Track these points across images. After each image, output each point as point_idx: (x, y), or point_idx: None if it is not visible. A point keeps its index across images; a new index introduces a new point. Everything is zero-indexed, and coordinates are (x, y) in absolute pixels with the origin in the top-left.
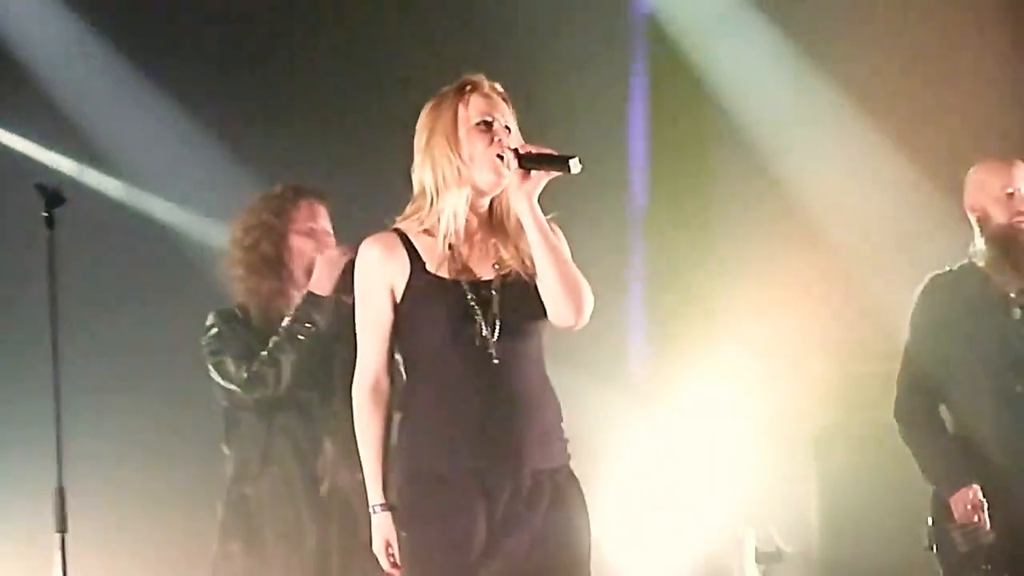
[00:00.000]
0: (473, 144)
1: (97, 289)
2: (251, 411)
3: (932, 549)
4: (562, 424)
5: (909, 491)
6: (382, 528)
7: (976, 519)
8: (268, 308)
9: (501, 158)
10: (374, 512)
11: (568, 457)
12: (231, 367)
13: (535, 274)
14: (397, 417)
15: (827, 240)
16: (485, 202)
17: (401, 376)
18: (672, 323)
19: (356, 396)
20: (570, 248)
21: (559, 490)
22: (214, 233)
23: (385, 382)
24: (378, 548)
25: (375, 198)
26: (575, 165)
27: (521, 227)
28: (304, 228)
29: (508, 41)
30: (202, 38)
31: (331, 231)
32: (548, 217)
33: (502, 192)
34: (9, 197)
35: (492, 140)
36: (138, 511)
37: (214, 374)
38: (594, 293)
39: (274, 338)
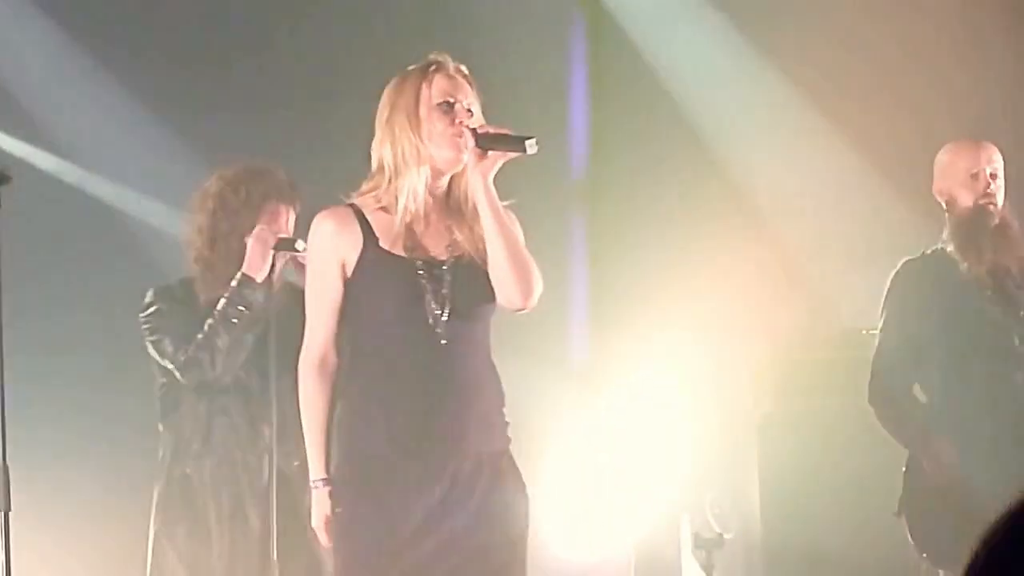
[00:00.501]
0: (433, 123)
1: (42, 268)
2: (190, 391)
3: (901, 515)
4: (504, 408)
5: (850, 477)
6: (321, 503)
7: (951, 474)
8: (217, 289)
9: (460, 137)
10: (315, 487)
11: (508, 441)
12: (169, 347)
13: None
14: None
15: (772, 227)
16: (443, 182)
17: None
18: (615, 308)
19: (302, 370)
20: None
21: (498, 473)
22: (156, 212)
23: (333, 357)
24: (316, 523)
25: (329, 176)
26: (531, 146)
27: (477, 211)
28: (262, 233)
29: (461, 19)
30: (151, 15)
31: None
32: (504, 204)
33: (460, 174)
34: None
35: (453, 120)
36: (81, 489)
37: (152, 352)
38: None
39: (208, 321)
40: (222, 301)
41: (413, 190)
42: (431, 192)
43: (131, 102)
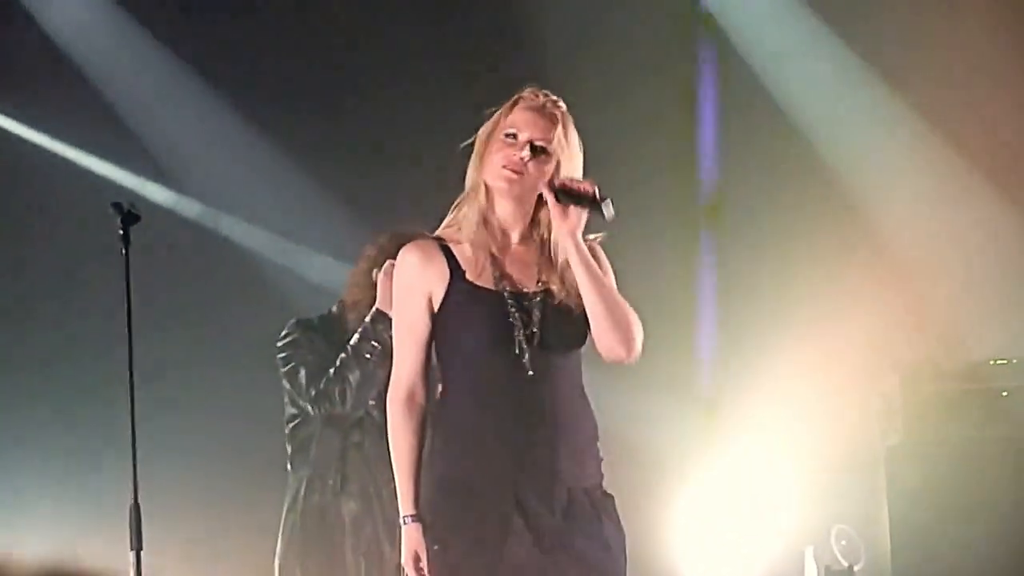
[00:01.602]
0: (492, 152)
1: (172, 306)
2: (323, 425)
3: None
4: (598, 443)
5: (979, 508)
6: (411, 540)
7: None
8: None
9: (510, 171)
10: (404, 523)
11: (602, 476)
12: (302, 379)
13: (581, 304)
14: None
15: (900, 259)
16: (519, 213)
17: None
18: (742, 340)
19: (390, 405)
20: (640, 263)
21: (595, 509)
22: (286, 251)
23: (421, 392)
24: (406, 560)
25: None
26: (607, 207)
27: (568, 263)
28: (392, 268)
29: (573, 53)
30: (279, 61)
31: None
32: (593, 238)
33: (550, 223)
34: (87, 216)
35: (509, 152)
36: (212, 528)
37: (285, 382)
38: (663, 307)
39: (341, 355)
40: (355, 336)
41: (467, 216)
42: (513, 232)
43: (260, 144)
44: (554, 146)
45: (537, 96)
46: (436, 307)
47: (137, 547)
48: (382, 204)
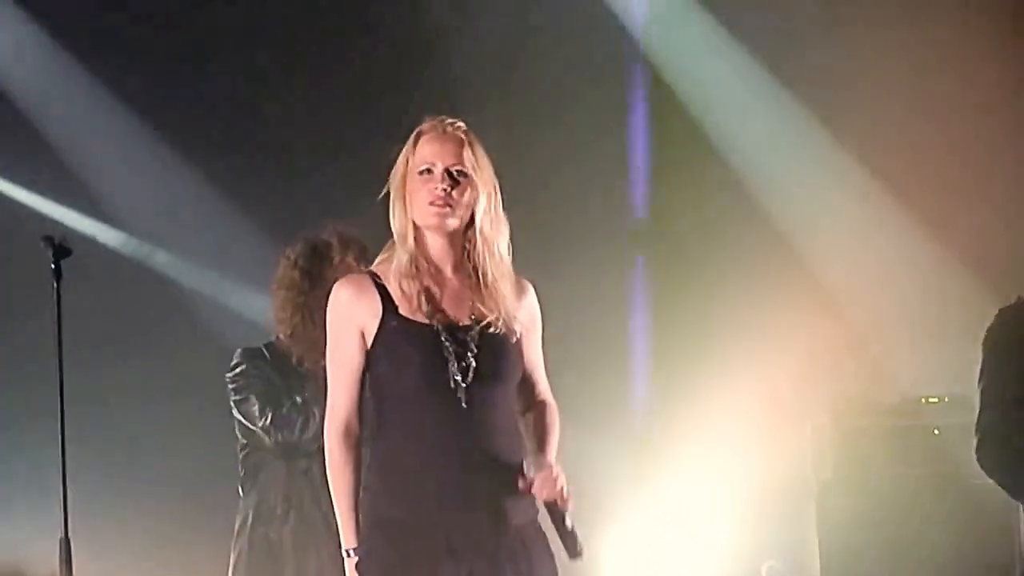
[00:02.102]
0: (412, 191)
1: (102, 338)
2: (271, 453)
3: None
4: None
5: (910, 544)
6: (353, 572)
7: None
8: (307, 352)
9: (433, 204)
10: (346, 556)
11: (536, 511)
12: (255, 409)
13: (512, 328)
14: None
15: (831, 294)
16: (446, 244)
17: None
18: (674, 374)
19: (328, 439)
20: (574, 298)
21: (526, 547)
22: (213, 283)
23: (356, 425)
24: None
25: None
26: (577, 557)
27: (498, 284)
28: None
29: (510, 77)
30: (207, 88)
31: None
32: (521, 279)
33: (477, 247)
34: (16, 249)
35: (432, 188)
36: (143, 559)
37: (236, 413)
38: (599, 345)
39: (309, 385)
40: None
41: (399, 258)
42: (441, 260)
43: (190, 175)
44: (468, 168)
45: (437, 124)
46: (369, 342)
47: None
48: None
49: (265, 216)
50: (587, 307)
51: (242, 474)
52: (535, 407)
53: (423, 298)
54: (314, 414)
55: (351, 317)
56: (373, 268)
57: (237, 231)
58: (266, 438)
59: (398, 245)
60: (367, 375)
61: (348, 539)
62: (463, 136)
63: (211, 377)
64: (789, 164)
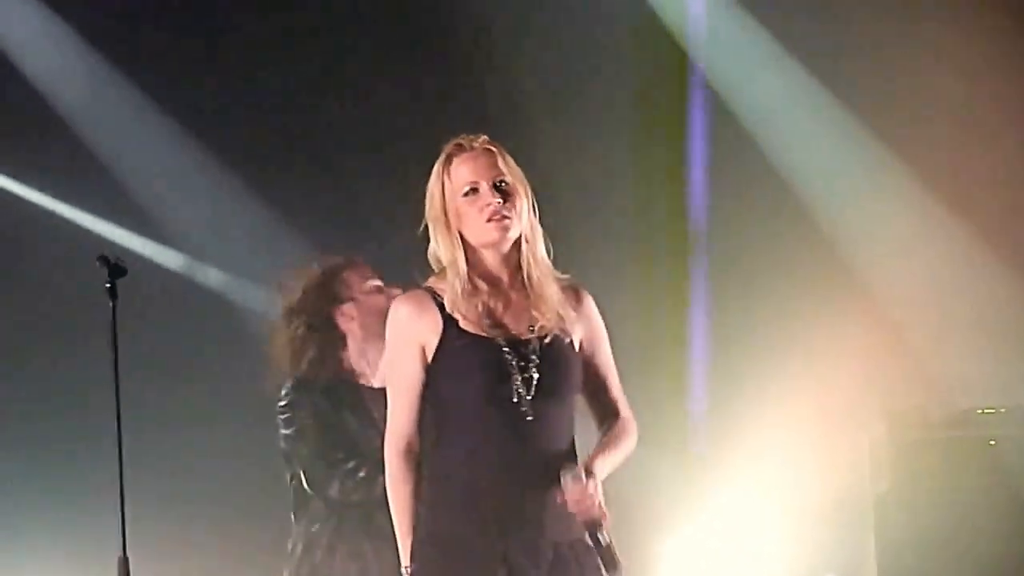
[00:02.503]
0: (464, 214)
1: (159, 358)
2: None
3: None
4: None
5: (967, 556)
6: None
7: None
8: (337, 376)
9: (491, 220)
10: (405, 574)
11: (583, 530)
12: (305, 452)
13: (567, 329)
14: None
15: (888, 306)
16: (504, 256)
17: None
18: (731, 388)
19: (389, 458)
20: (630, 311)
21: (579, 564)
22: (267, 301)
23: (417, 443)
24: None
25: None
26: (615, 572)
27: (544, 287)
28: (350, 295)
29: (568, 96)
30: (262, 107)
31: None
32: (573, 282)
33: (524, 253)
34: (72, 270)
35: (481, 207)
36: None
37: (283, 444)
38: (654, 358)
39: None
40: None
41: (452, 285)
42: (493, 270)
43: (246, 195)
44: (509, 178)
45: (464, 144)
46: (430, 358)
47: None
48: (369, 258)
49: (319, 234)
50: (643, 321)
51: (293, 500)
52: (608, 419)
53: (483, 313)
54: (378, 484)
55: (413, 333)
56: (430, 284)
57: (291, 249)
58: (308, 487)
59: (448, 271)
60: (427, 391)
61: (406, 557)
62: (493, 148)
63: (266, 397)
64: (844, 177)
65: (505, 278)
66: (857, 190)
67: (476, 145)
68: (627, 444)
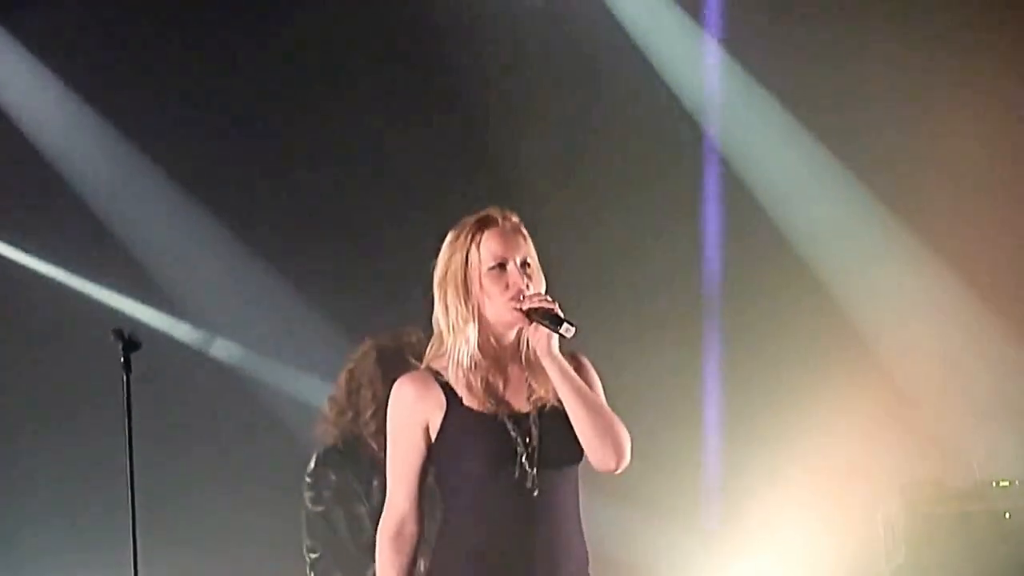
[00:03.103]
0: (486, 289)
1: (172, 429)
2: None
3: None
4: (589, 568)
5: None
6: None
7: None
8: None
9: (517, 300)
10: None
11: None
12: (343, 529)
13: None
14: (427, 553)
15: (902, 381)
16: (511, 334)
17: (430, 518)
18: (744, 462)
19: (380, 539)
20: (644, 383)
21: None
22: (284, 377)
23: (412, 526)
24: None
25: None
26: (567, 330)
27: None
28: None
29: (577, 166)
30: (277, 189)
31: None
32: (570, 350)
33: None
34: (86, 343)
35: (507, 284)
36: None
37: (309, 521)
38: (668, 431)
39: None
40: None
41: (460, 354)
42: (498, 346)
43: (260, 271)
44: (532, 261)
45: (498, 218)
46: (434, 436)
47: None
48: (376, 324)
49: (334, 307)
50: (655, 394)
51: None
52: None
53: (485, 389)
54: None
55: (417, 412)
56: (429, 364)
57: (304, 321)
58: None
59: (455, 339)
60: (431, 468)
61: None
62: (522, 228)
63: (278, 466)
64: (857, 247)
65: (508, 356)
66: (870, 260)
67: (512, 222)
68: (602, 403)
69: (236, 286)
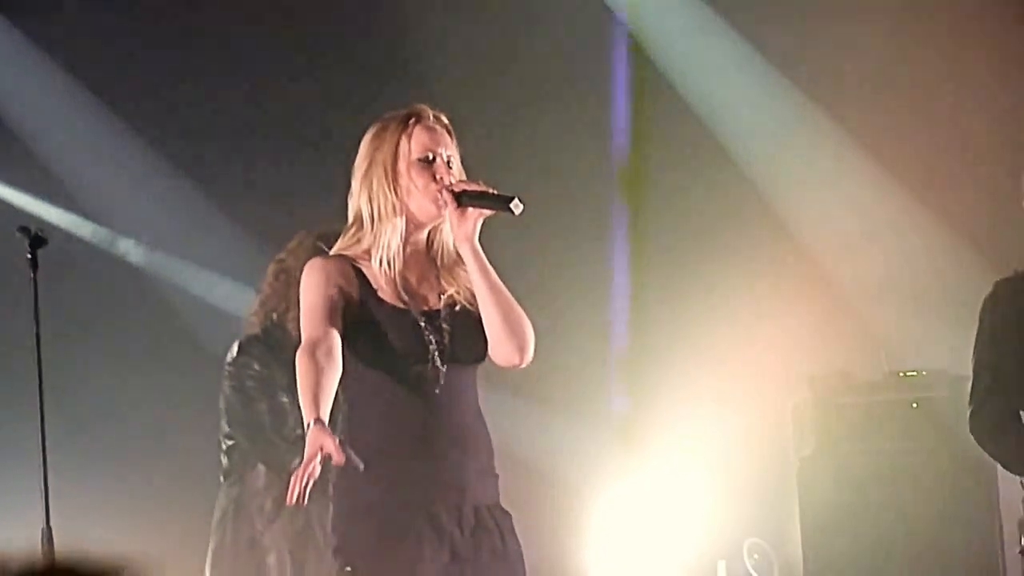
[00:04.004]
0: (413, 179)
1: (80, 328)
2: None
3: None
4: (494, 460)
5: (891, 520)
6: (315, 438)
7: None
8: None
9: (440, 194)
10: (308, 428)
11: (499, 494)
12: (265, 443)
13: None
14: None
15: (817, 267)
16: (423, 234)
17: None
18: (653, 350)
19: (297, 358)
20: (552, 275)
21: (498, 526)
22: (190, 277)
23: (329, 343)
24: (306, 459)
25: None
26: (516, 206)
27: (459, 260)
28: None
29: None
30: (185, 90)
31: None
32: None
33: (439, 227)
34: None
35: (433, 175)
36: (124, 545)
37: (224, 405)
38: (575, 325)
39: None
40: None
41: (387, 244)
42: (413, 243)
43: (163, 169)
44: (456, 160)
45: (428, 112)
46: (348, 318)
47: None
48: (282, 225)
49: (241, 209)
50: (565, 282)
51: (225, 462)
52: None
53: (402, 284)
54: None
55: (334, 286)
56: (343, 251)
57: (211, 222)
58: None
59: (380, 228)
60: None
61: (310, 412)
62: (450, 128)
63: (188, 367)
64: (770, 132)
65: (421, 251)
66: (784, 145)
67: (442, 119)
68: (512, 299)
69: (142, 186)
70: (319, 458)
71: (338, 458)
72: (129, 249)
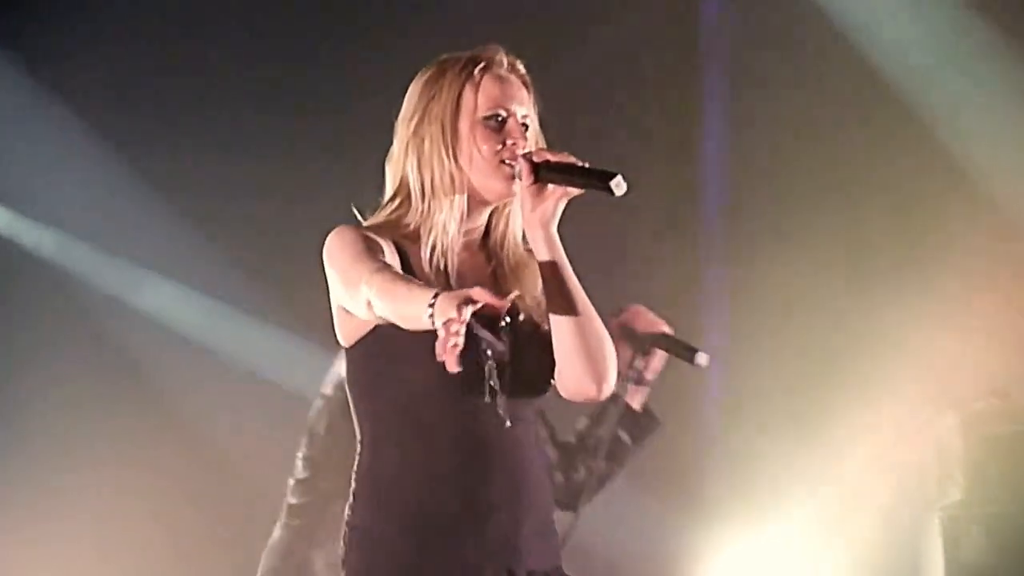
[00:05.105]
0: (478, 144)
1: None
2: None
3: None
4: (554, 514)
5: None
6: (446, 302)
7: None
8: None
9: (511, 165)
10: (431, 304)
11: (559, 559)
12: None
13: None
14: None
15: (959, 268)
16: (483, 218)
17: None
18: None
19: (368, 279)
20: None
21: None
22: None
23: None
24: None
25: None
26: (619, 185)
27: (528, 257)
28: None
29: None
30: (100, 48)
31: None
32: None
33: (503, 209)
34: None
35: (503, 141)
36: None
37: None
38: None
39: None
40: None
41: (443, 226)
42: (467, 229)
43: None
44: (534, 126)
45: (501, 58)
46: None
47: None
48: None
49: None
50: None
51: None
52: None
53: (456, 279)
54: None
55: (375, 246)
56: (383, 224)
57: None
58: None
59: (439, 204)
60: (363, 379)
61: (426, 293)
62: (527, 77)
63: (106, 365)
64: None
65: (477, 241)
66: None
67: (518, 67)
68: (591, 309)
69: (62, 171)
70: (469, 310)
71: (491, 300)
72: (44, 238)
